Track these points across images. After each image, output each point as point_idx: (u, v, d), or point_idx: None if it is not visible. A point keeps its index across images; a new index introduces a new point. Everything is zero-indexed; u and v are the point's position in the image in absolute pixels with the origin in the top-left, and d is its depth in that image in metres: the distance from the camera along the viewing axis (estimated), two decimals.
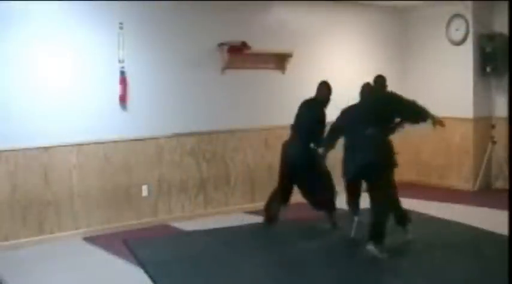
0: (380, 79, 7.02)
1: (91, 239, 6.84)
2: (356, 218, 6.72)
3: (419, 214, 7.18)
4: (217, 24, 7.99)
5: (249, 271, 5.68)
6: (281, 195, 7.28)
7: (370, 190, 6.30)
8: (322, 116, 7.04)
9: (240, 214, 8.11)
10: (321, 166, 7.03)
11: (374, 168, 6.17)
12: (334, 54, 9.34)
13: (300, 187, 7.24)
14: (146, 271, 5.63)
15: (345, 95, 8.94)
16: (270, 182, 8.31)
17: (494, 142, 9.35)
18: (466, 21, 9.24)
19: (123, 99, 7.20)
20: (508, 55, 7.36)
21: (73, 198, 6.95)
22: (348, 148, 6.43)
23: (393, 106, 6.57)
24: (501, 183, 9.49)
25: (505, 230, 6.65)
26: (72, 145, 6.91)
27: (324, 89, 7.22)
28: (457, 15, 9.36)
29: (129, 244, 6.56)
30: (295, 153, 7.01)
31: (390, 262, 5.90)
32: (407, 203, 7.52)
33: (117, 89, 7.17)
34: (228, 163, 8.21)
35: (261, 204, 8.17)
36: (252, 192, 8.43)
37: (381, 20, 9.98)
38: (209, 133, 7.99)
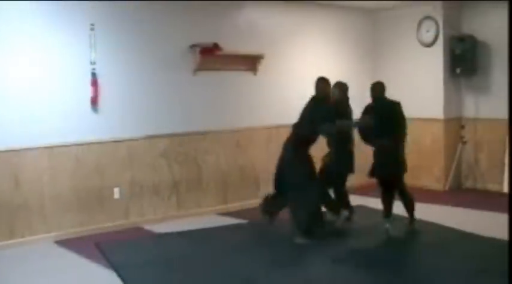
0: (379, 87, 7.21)
1: (63, 243, 6.78)
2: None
3: (395, 215, 7.22)
4: (189, 26, 7.96)
5: (222, 272, 5.66)
6: (276, 200, 7.20)
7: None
8: (318, 114, 6.78)
9: (212, 215, 8.10)
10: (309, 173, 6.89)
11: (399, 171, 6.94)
12: (305, 55, 9.36)
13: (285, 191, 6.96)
14: (119, 275, 5.59)
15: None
16: (242, 184, 8.39)
17: (464, 143, 9.46)
18: (437, 23, 9.34)
19: (94, 101, 7.14)
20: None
21: (44, 201, 6.87)
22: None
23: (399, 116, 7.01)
24: (471, 183, 9.62)
25: (476, 230, 6.79)
26: (43, 148, 6.84)
27: (322, 85, 7.01)
28: (427, 17, 9.46)
29: (102, 247, 6.51)
30: (285, 153, 6.95)
31: (366, 260, 5.99)
32: None
33: (89, 91, 7.10)
34: (201, 165, 8.18)
35: (233, 206, 8.25)
36: (224, 193, 8.42)
37: (352, 21, 10.04)
38: (181, 135, 7.96)
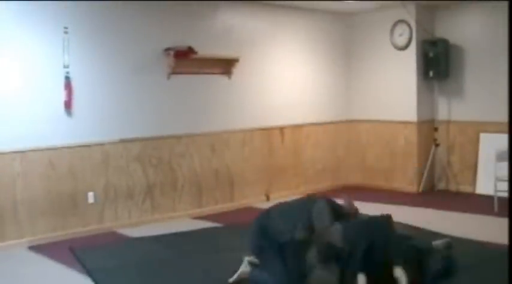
0: None
1: (36, 248, 6.70)
2: None
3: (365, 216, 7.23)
4: (163, 29, 7.93)
5: (197, 276, 5.64)
6: None
7: None
8: None
9: (187, 219, 8.07)
10: None
11: None
12: (280, 58, 9.37)
13: None
14: (94, 280, 5.55)
15: (290, 98, 9.10)
16: (217, 187, 8.41)
17: (437, 145, 9.54)
18: (410, 26, 9.40)
19: (68, 105, 7.08)
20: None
21: (17, 206, 6.78)
22: None
23: None
24: (444, 185, 9.71)
25: (448, 230, 6.85)
26: (15, 152, 6.75)
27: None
28: (400, 21, 9.52)
29: (76, 252, 6.45)
30: None
31: None
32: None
33: (62, 94, 7.04)
34: (175, 169, 8.15)
35: (208, 209, 8.27)
36: (199, 197, 8.39)
37: (327, 24, 10.07)
38: (155, 138, 7.92)
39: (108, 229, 7.46)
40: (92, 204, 7.37)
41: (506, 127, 8.67)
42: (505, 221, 7.54)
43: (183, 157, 8.21)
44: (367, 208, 6.99)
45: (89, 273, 5.74)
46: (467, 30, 9.28)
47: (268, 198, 9.14)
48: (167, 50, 7.87)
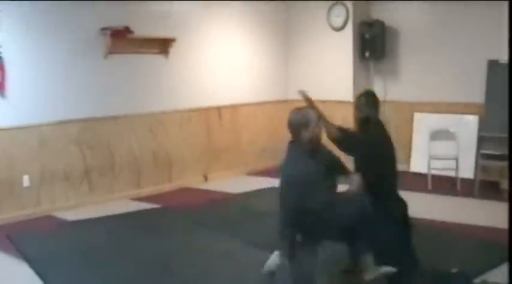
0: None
1: None
2: None
3: None
4: (99, 8, 7.77)
5: (136, 259, 5.64)
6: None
7: None
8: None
9: (125, 200, 8.03)
10: None
11: None
12: (217, 39, 9.34)
13: None
14: (32, 266, 5.48)
15: (227, 79, 9.02)
16: (155, 168, 8.37)
17: None
18: (346, 8, 9.48)
19: (1, 86, 6.90)
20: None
21: None
22: None
23: None
24: None
25: None
26: None
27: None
28: (337, 2, 9.58)
29: (13, 238, 6.34)
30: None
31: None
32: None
33: None
34: (113, 150, 8.06)
35: (146, 190, 8.20)
36: (137, 178, 8.34)
37: (264, 4, 10.05)
38: (93, 120, 7.81)
39: (45, 213, 7.35)
40: (27, 187, 7.23)
41: (439, 108, 8.94)
42: (438, 197, 7.83)
43: (120, 138, 8.13)
44: None
45: (27, 259, 5.68)
46: (403, 12, 9.42)
47: (206, 179, 9.16)
48: (104, 29, 7.75)
